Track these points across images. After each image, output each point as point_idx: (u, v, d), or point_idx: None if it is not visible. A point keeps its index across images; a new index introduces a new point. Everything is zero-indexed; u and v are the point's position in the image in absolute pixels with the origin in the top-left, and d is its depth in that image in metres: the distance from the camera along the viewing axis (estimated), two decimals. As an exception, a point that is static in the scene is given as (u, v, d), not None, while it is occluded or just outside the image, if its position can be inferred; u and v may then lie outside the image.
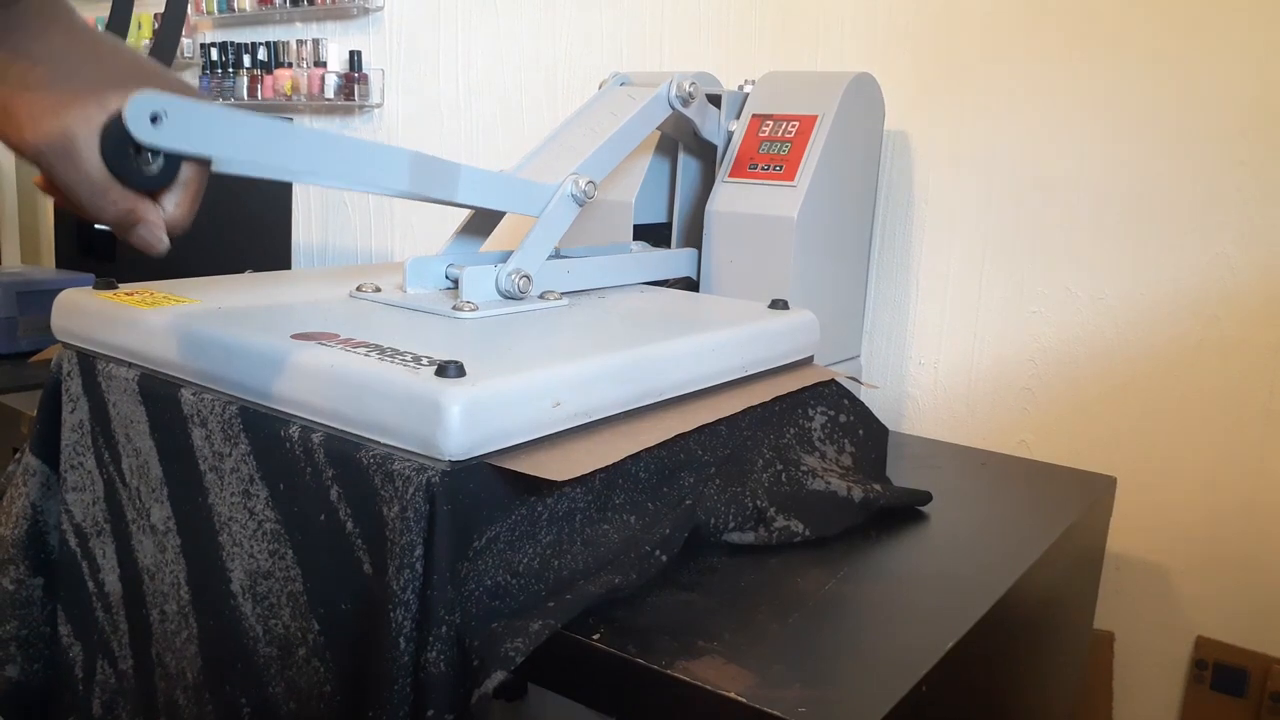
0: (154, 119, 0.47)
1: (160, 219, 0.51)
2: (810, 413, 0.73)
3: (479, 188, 0.71)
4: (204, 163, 0.51)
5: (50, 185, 0.48)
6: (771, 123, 0.89)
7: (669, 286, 0.89)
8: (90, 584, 0.68)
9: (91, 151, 0.47)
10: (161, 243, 0.51)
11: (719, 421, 0.64)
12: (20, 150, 0.47)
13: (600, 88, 0.91)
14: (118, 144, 0.47)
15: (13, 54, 0.47)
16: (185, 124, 0.49)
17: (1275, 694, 0.89)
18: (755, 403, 0.67)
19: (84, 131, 0.47)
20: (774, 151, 0.87)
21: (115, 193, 0.48)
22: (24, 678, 0.70)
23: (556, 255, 0.79)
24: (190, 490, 0.61)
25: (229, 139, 0.51)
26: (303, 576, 0.55)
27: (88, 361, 0.67)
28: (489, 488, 0.51)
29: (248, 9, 1.68)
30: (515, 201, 0.75)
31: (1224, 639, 0.91)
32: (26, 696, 0.71)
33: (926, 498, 0.76)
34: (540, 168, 0.81)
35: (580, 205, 0.77)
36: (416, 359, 0.54)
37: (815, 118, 0.87)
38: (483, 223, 0.81)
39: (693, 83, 0.85)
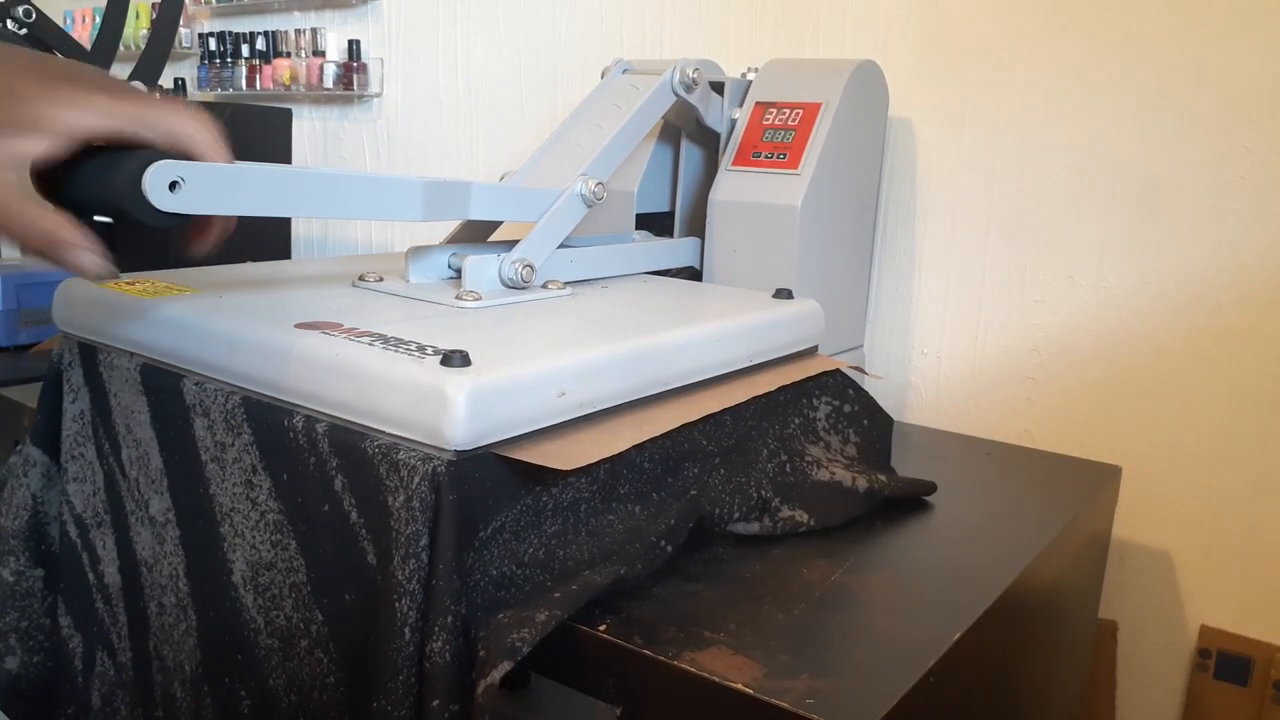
0: (172, 186, 0.48)
1: (89, 242, 0.46)
2: (815, 403, 0.73)
3: (489, 203, 0.72)
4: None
5: None
6: (775, 110, 0.88)
7: (672, 276, 0.88)
8: (90, 575, 0.68)
9: (4, 170, 0.43)
10: (102, 267, 0.47)
11: (723, 411, 0.64)
12: None
13: (603, 75, 0.90)
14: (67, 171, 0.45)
15: None
16: (201, 188, 0.50)
17: (1279, 682, 0.89)
18: (760, 393, 0.67)
19: None
20: (777, 140, 0.86)
21: (31, 211, 0.44)
22: (24, 670, 0.70)
23: (559, 245, 0.78)
24: (191, 481, 0.61)
25: (245, 196, 0.53)
26: (306, 567, 0.55)
27: (89, 352, 0.67)
28: (494, 477, 0.51)
29: (246, -2, 1.68)
30: (526, 210, 0.75)
31: (1228, 628, 0.91)
32: (26, 688, 0.71)
33: (931, 488, 0.75)
34: (548, 169, 0.81)
35: (589, 207, 0.77)
36: (421, 348, 0.53)
37: (819, 105, 0.86)
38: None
39: (696, 69, 0.85)
